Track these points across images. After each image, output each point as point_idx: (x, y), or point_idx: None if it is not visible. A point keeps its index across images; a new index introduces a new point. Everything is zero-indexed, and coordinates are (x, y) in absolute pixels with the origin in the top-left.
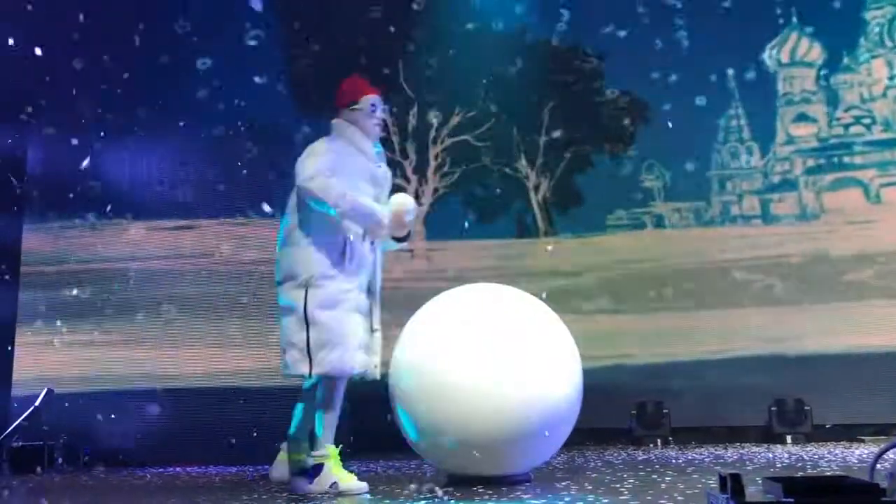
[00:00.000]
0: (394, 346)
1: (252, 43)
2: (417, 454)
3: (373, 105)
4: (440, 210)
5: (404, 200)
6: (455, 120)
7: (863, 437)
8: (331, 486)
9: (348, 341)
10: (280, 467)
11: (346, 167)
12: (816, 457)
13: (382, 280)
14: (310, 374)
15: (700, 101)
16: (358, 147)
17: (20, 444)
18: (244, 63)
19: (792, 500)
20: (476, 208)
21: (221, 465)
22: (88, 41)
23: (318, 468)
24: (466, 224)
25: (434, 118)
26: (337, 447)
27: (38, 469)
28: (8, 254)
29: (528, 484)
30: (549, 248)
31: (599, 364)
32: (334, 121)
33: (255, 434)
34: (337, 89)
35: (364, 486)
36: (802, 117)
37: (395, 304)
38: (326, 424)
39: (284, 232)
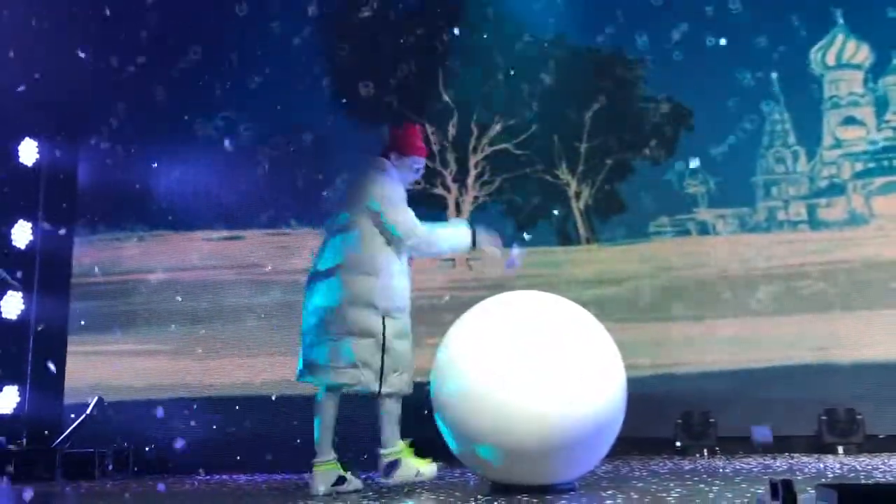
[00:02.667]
0: (436, 355)
1: (298, 57)
2: (461, 462)
3: (417, 167)
4: (480, 219)
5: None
6: (495, 128)
7: None
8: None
9: (411, 366)
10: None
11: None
12: (870, 467)
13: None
14: (379, 394)
15: (743, 106)
16: None
17: (72, 450)
18: (292, 76)
19: None
20: (517, 216)
21: (268, 474)
22: (137, 55)
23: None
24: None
25: (474, 127)
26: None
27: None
28: (59, 264)
29: (572, 493)
30: None
31: (644, 373)
32: (382, 159)
33: (298, 441)
34: (396, 127)
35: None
36: (850, 120)
37: (437, 312)
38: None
39: (352, 256)
